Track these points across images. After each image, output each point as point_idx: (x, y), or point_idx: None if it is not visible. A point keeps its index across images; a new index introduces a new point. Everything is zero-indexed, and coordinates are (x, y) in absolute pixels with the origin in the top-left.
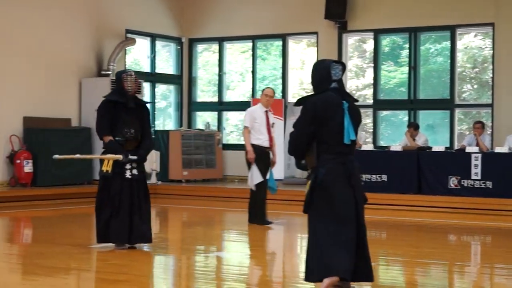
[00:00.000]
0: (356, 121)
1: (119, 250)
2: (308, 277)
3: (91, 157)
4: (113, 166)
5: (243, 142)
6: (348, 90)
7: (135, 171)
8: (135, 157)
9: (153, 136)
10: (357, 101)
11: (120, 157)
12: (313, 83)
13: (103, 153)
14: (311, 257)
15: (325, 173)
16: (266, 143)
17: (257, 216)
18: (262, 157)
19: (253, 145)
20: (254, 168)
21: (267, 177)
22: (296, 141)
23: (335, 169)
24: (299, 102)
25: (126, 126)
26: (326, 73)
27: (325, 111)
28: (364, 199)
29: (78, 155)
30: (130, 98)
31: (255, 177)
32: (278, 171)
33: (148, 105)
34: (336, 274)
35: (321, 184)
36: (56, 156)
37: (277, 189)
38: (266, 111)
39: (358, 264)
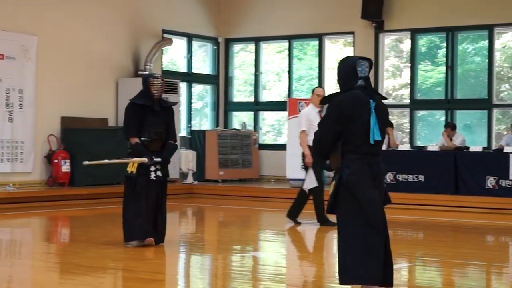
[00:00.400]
0: (383, 120)
1: (148, 245)
2: (340, 280)
3: (119, 162)
4: (137, 168)
5: (279, 142)
6: (385, 90)
7: (159, 173)
8: (159, 160)
9: (189, 136)
10: (385, 98)
11: (145, 160)
12: (339, 80)
13: (129, 154)
14: (340, 260)
15: (350, 173)
16: None
17: (319, 218)
18: (317, 159)
19: (311, 148)
20: (311, 173)
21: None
22: (321, 141)
23: (361, 169)
24: (325, 100)
25: (151, 128)
26: (352, 70)
27: (351, 110)
28: (388, 200)
29: (106, 160)
30: (156, 101)
31: (310, 181)
32: None
33: (181, 104)
34: (367, 281)
35: (346, 185)
36: (86, 162)
37: None
38: (320, 111)
39: (384, 268)
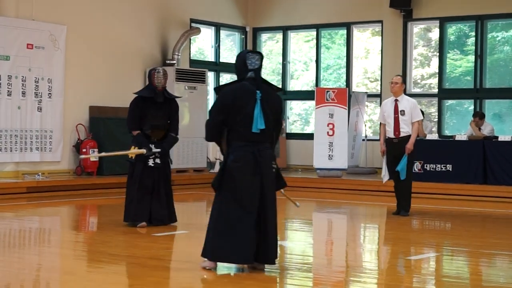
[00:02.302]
0: (273, 110)
1: (139, 227)
2: (205, 255)
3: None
4: (136, 154)
5: (306, 132)
6: (413, 79)
7: (157, 160)
8: (158, 150)
9: None
10: (279, 89)
11: (143, 151)
12: (235, 72)
13: (131, 142)
14: (210, 237)
15: (233, 160)
16: (391, 134)
17: (399, 205)
18: (388, 149)
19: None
20: (383, 164)
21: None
22: (208, 128)
23: (243, 156)
24: (216, 90)
25: (153, 119)
26: (243, 63)
27: (234, 101)
28: (280, 185)
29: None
30: (159, 93)
31: (385, 173)
32: (341, 161)
33: (208, 93)
34: (232, 261)
35: (228, 170)
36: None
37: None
38: (396, 100)
39: (260, 247)
